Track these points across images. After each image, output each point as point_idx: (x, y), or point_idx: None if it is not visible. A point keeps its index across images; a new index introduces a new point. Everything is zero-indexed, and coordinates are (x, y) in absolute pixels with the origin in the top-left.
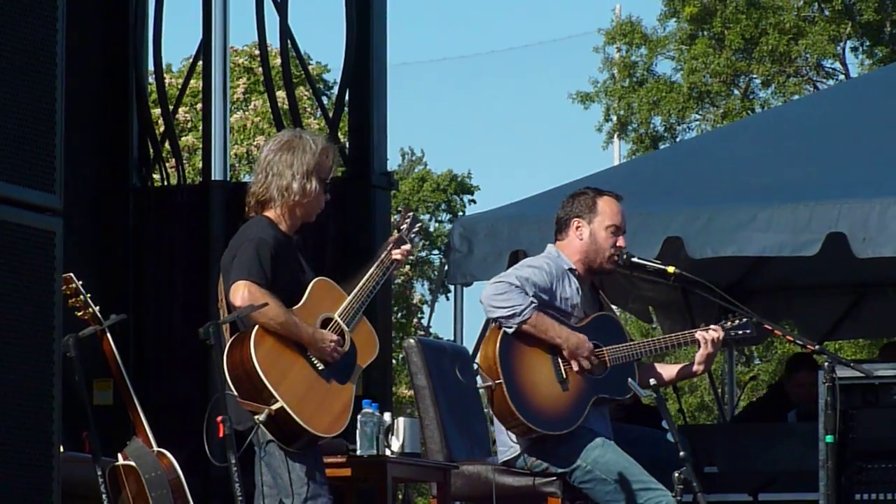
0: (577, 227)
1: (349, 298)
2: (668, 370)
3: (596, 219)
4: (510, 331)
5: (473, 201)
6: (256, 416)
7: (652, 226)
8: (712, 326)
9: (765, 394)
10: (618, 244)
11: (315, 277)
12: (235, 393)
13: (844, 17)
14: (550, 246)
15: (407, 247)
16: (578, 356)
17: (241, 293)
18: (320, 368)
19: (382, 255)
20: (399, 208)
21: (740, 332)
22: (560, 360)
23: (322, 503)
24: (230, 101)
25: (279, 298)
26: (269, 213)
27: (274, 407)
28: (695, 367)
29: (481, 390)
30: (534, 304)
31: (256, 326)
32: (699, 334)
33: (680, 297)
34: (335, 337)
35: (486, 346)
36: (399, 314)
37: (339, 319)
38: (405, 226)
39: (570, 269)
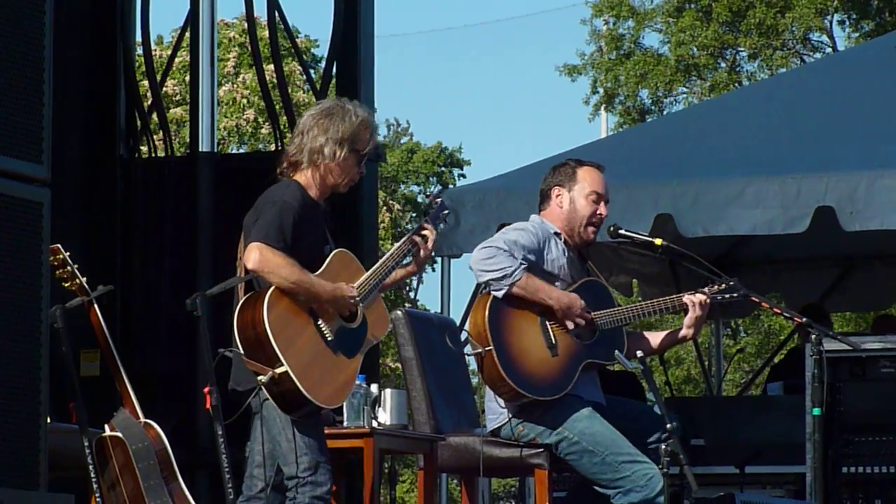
0: (557, 196)
1: (367, 274)
2: (656, 337)
3: (576, 187)
4: (500, 294)
5: (463, 176)
6: (259, 378)
7: (640, 201)
8: (700, 290)
9: (785, 356)
10: (598, 212)
11: (335, 249)
12: (242, 351)
13: None
14: (534, 216)
15: (430, 231)
16: (571, 315)
17: (254, 255)
18: (329, 339)
19: (406, 238)
20: (428, 193)
21: (727, 295)
22: (549, 326)
23: (322, 475)
24: (220, 74)
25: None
26: (300, 177)
27: (278, 371)
28: (683, 332)
29: (470, 358)
30: (523, 266)
31: (272, 288)
32: (687, 298)
33: (667, 269)
34: (354, 292)
35: (476, 313)
36: (388, 292)
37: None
38: (433, 209)
39: (556, 233)
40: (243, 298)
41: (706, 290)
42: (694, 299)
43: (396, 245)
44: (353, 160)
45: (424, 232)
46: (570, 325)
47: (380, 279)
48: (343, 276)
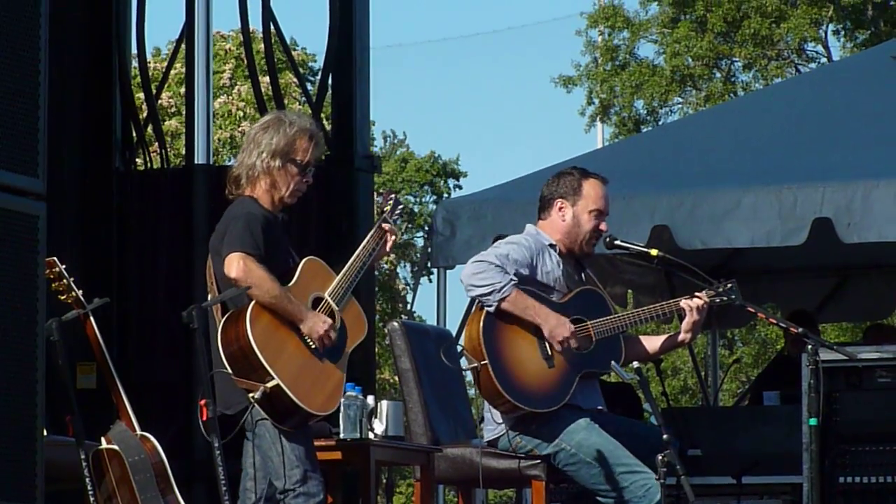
0: (560, 209)
1: (338, 278)
2: (653, 341)
3: (580, 202)
4: (491, 309)
5: (459, 187)
6: (251, 394)
7: (637, 212)
8: (696, 294)
9: (772, 363)
10: (600, 228)
11: (303, 258)
12: (230, 371)
13: (826, 0)
14: (530, 226)
15: (389, 226)
16: (558, 337)
17: (237, 264)
18: (313, 347)
19: (369, 237)
20: (381, 190)
21: (724, 298)
22: (545, 338)
23: (313, 485)
24: (216, 86)
25: (274, 274)
26: (249, 193)
27: (269, 384)
28: (681, 337)
29: (467, 372)
30: (513, 282)
31: (252, 303)
32: (684, 302)
33: (663, 280)
34: (330, 321)
35: (470, 327)
36: (383, 303)
37: (329, 299)
38: (388, 208)
39: (551, 245)
40: (224, 318)
41: (703, 293)
42: (692, 303)
43: (361, 247)
44: (293, 170)
45: (389, 228)
46: (557, 347)
47: (351, 282)
48: (315, 283)
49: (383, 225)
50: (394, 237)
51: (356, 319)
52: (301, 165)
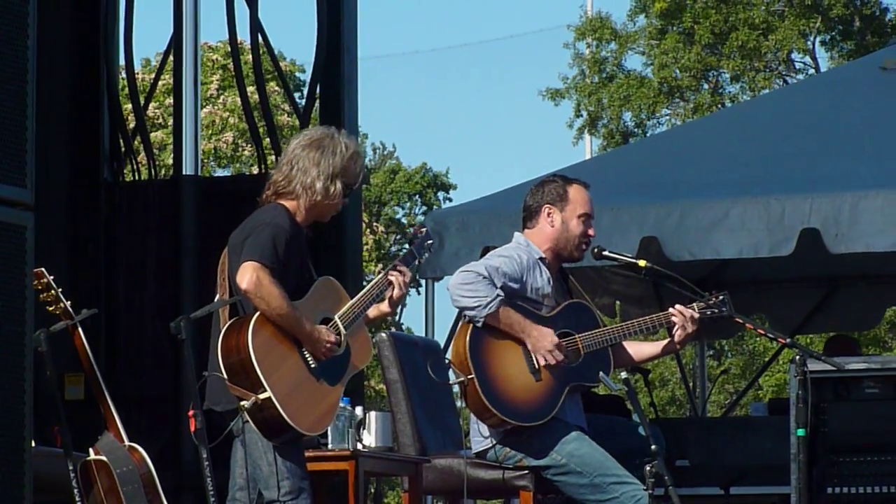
0: (549, 215)
1: (352, 302)
2: (638, 349)
3: (567, 207)
4: (477, 323)
5: (450, 199)
6: (242, 402)
7: (626, 223)
8: (689, 306)
9: None
10: (589, 233)
11: (319, 276)
12: (225, 376)
13: (814, 11)
14: (518, 234)
15: (406, 270)
16: (541, 349)
17: (249, 276)
18: (312, 366)
19: (388, 269)
20: (414, 224)
21: (716, 310)
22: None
23: (304, 498)
24: (203, 97)
25: (286, 289)
26: (287, 203)
27: (261, 396)
28: (669, 347)
29: (454, 385)
30: (500, 297)
31: (257, 313)
32: (676, 317)
33: (651, 291)
34: (333, 338)
35: (457, 341)
36: None
37: (338, 321)
38: (418, 239)
39: (541, 259)
40: (228, 323)
41: (695, 305)
42: (684, 318)
43: (380, 276)
44: (343, 193)
45: (400, 268)
46: (542, 361)
47: (364, 307)
48: (327, 303)
49: (397, 267)
50: (403, 280)
51: (363, 346)
52: (350, 188)
